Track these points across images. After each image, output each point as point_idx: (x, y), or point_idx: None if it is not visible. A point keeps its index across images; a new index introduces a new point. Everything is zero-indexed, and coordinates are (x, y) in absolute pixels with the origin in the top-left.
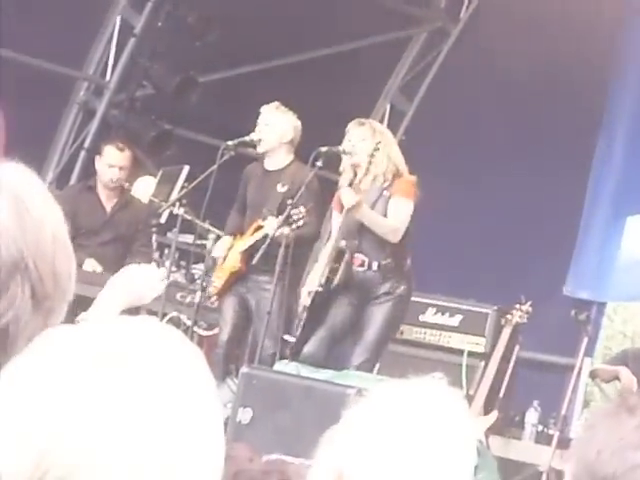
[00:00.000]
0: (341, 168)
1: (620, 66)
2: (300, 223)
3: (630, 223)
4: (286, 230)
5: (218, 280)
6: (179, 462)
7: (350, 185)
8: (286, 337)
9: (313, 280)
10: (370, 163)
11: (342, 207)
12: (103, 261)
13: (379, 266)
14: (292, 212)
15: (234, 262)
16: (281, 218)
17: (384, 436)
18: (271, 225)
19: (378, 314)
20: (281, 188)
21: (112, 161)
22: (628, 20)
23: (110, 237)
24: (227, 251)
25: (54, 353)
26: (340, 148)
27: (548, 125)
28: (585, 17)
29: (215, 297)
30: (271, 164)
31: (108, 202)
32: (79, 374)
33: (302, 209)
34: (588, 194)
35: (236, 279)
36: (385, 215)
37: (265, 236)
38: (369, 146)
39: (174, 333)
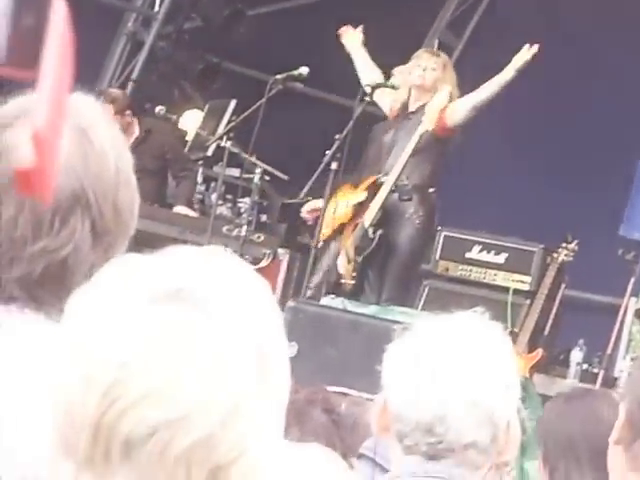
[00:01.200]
0: (397, 83)
1: None
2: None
3: None
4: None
5: (327, 229)
6: (246, 397)
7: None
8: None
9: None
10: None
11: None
12: (146, 198)
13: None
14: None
15: (346, 213)
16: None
17: (426, 367)
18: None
19: (401, 244)
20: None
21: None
22: None
23: (139, 175)
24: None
25: (122, 284)
26: (389, 83)
27: (602, 61)
28: None
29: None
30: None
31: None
32: (144, 307)
33: None
34: None
35: (342, 230)
36: (421, 150)
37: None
38: (436, 75)
39: (243, 265)
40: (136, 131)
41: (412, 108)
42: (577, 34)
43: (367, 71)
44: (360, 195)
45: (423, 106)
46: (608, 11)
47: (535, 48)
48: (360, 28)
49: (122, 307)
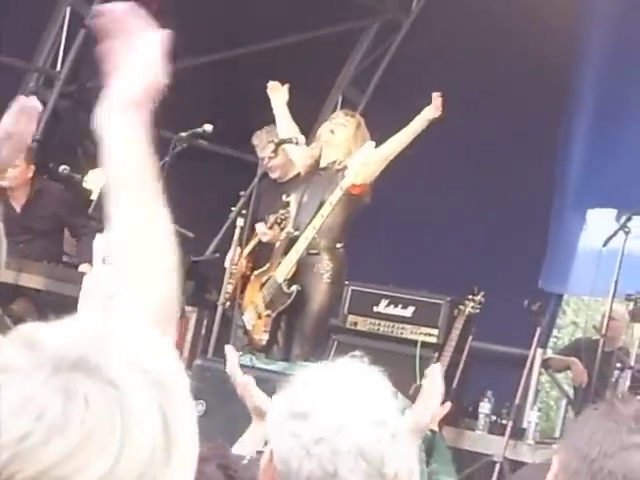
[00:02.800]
0: (311, 146)
1: (580, 58)
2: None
3: (590, 216)
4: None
5: (230, 287)
6: (152, 466)
7: (314, 163)
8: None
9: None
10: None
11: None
12: (37, 258)
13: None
14: (280, 212)
15: (241, 268)
16: (271, 220)
17: (311, 422)
18: (260, 231)
19: (311, 300)
20: (286, 198)
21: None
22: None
23: (29, 236)
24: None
25: (24, 353)
26: (293, 139)
27: (508, 116)
28: (538, 5)
29: None
30: (276, 177)
31: (17, 202)
32: (47, 377)
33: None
34: (556, 189)
35: (245, 283)
36: (334, 204)
37: None
38: (347, 132)
39: (147, 330)
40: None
41: (322, 164)
42: (480, 84)
43: (287, 130)
44: (251, 244)
45: (334, 162)
46: (518, 61)
47: (437, 95)
48: (286, 86)
49: (24, 377)
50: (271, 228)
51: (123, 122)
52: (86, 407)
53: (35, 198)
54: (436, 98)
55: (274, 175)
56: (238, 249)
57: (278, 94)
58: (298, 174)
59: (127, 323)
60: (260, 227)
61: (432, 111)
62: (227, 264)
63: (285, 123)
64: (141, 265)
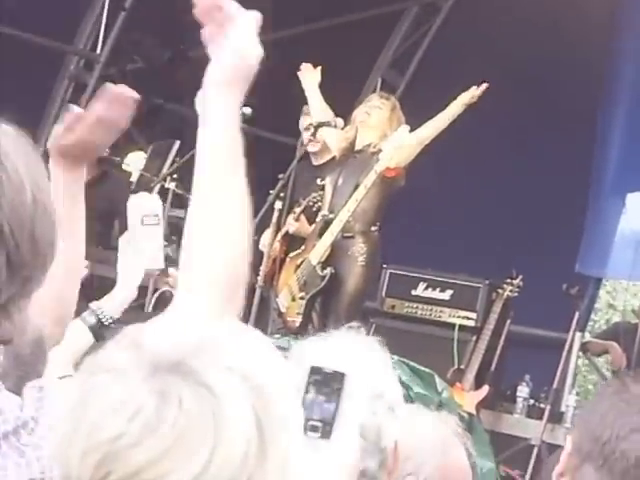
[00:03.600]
0: (346, 128)
1: (619, 40)
2: (317, 206)
3: (630, 200)
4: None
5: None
6: (244, 471)
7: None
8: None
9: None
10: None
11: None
12: (89, 241)
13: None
14: (312, 195)
15: (274, 251)
16: (298, 210)
17: (300, 388)
18: (289, 221)
19: (345, 282)
20: (320, 182)
21: None
22: None
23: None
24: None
25: (123, 355)
26: (332, 122)
27: (546, 100)
28: None
29: None
30: (313, 151)
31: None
32: (144, 379)
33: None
34: (593, 172)
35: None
36: (368, 187)
37: None
38: (382, 115)
39: (249, 335)
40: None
41: (357, 147)
42: (521, 65)
43: (320, 111)
44: (280, 232)
45: (369, 145)
46: (556, 45)
47: (484, 86)
48: (319, 69)
49: (123, 377)
50: (302, 212)
51: (215, 100)
52: (180, 409)
53: (100, 178)
54: (475, 89)
55: (313, 149)
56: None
57: (310, 76)
58: (333, 157)
59: (228, 325)
60: (289, 219)
61: (469, 97)
62: (261, 246)
63: (318, 105)
64: (215, 225)
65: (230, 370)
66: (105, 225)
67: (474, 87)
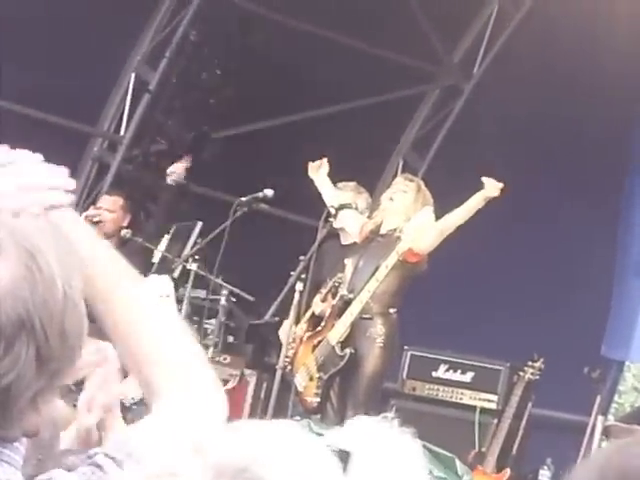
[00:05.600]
0: (374, 214)
1: None
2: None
3: None
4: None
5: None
6: None
7: (375, 229)
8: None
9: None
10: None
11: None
12: None
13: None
14: (338, 275)
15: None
16: (324, 291)
17: None
18: (315, 302)
19: (363, 363)
20: (346, 262)
21: (100, 203)
22: None
23: None
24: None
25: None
26: (353, 204)
27: (570, 180)
28: (603, 70)
29: None
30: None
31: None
32: None
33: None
34: (618, 254)
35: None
36: (389, 268)
37: None
38: (407, 198)
39: (311, 442)
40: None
41: (382, 231)
42: (543, 148)
43: (334, 198)
44: (306, 316)
45: (394, 230)
46: (580, 121)
47: (501, 185)
48: (325, 160)
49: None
50: (327, 294)
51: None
52: None
53: (120, 248)
54: (496, 185)
55: (343, 238)
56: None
57: (317, 172)
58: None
59: (288, 430)
60: (316, 299)
61: (491, 190)
62: (281, 333)
63: (331, 193)
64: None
65: (294, 476)
66: None
67: (494, 183)
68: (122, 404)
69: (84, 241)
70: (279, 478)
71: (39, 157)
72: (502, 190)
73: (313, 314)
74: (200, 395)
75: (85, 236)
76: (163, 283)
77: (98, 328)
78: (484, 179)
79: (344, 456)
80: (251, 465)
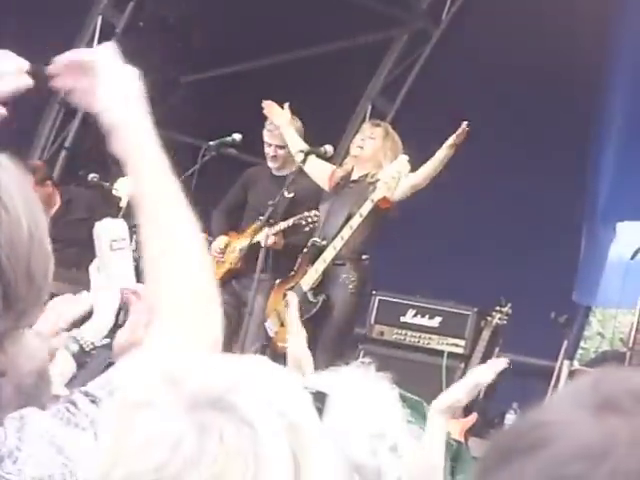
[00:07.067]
0: (345, 160)
1: (610, 74)
2: (312, 226)
3: (620, 228)
4: (272, 239)
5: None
6: None
7: (346, 176)
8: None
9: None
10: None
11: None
12: (68, 266)
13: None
14: (305, 214)
15: (233, 260)
16: (282, 226)
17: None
18: (267, 232)
19: (335, 309)
20: (288, 194)
21: None
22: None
23: (60, 245)
24: (225, 249)
25: (163, 387)
26: (322, 149)
27: (538, 130)
28: (572, 14)
29: None
30: (277, 169)
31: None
32: (183, 412)
33: (316, 212)
34: (586, 202)
35: (231, 277)
36: (364, 216)
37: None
38: (375, 145)
39: (285, 376)
40: (57, 201)
41: (354, 178)
42: (512, 96)
43: (299, 146)
44: (245, 241)
45: (365, 176)
46: (547, 76)
47: (465, 125)
48: (286, 107)
49: (162, 412)
50: (286, 230)
51: (130, 138)
52: (221, 443)
53: (65, 207)
54: (463, 128)
55: (275, 164)
56: (225, 238)
57: (279, 115)
58: (296, 169)
59: (263, 363)
60: (268, 230)
61: (452, 141)
62: (213, 247)
63: (296, 138)
64: (170, 254)
65: (268, 406)
66: (84, 247)
67: (463, 124)
68: (81, 348)
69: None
70: (253, 407)
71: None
72: (469, 136)
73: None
74: (196, 329)
75: (151, 156)
76: (119, 225)
77: (70, 275)
78: (460, 129)
79: (321, 398)
80: (225, 394)
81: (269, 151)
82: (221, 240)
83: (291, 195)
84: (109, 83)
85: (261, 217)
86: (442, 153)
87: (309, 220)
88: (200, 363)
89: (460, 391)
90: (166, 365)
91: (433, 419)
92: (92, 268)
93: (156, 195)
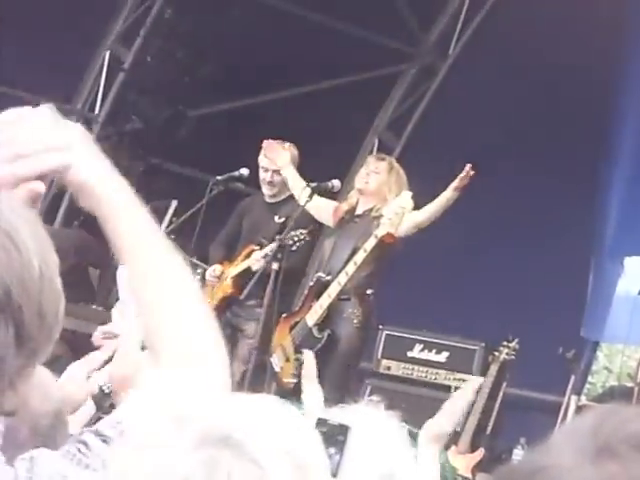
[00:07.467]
0: (349, 194)
1: (620, 105)
2: (299, 244)
3: (628, 264)
4: (274, 264)
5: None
6: None
7: (351, 210)
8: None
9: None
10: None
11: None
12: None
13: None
14: (291, 234)
15: (225, 287)
16: (268, 249)
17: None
18: (255, 257)
19: (340, 344)
20: (278, 219)
21: None
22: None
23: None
24: (220, 276)
25: (171, 424)
26: (329, 184)
27: (547, 164)
28: (582, 43)
29: None
30: (271, 197)
31: None
32: (191, 449)
33: (302, 231)
34: (595, 237)
35: (226, 304)
36: (368, 252)
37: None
38: (380, 179)
39: (294, 417)
40: None
41: (358, 212)
42: (520, 131)
43: (301, 187)
44: (239, 267)
45: (370, 210)
46: (556, 107)
47: (468, 168)
48: (287, 147)
49: (168, 448)
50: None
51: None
52: None
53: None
54: (467, 171)
55: (271, 191)
56: (219, 267)
57: (279, 156)
58: (290, 196)
59: (271, 402)
60: (256, 254)
61: (460, 182)
62: (207, 274)
63: (298, 182)
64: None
65: (276, 445)
66: (80, 287)
67: (464, 172)
68: (101, 390)
69: (124, 204)
70: (261, 446)
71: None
72: (475, 173)
73: (241, 273)
74: (202, 371)
75: (126, 201)
76: None
77: (76, 308)
78: (464, 172)
79: (344, 430)
80: (234, 433)
81: (265, 176)
82: (215, 268)
83: (282, 220)
84: (63, 145)
85: (252, 244)
86: (446, 195)
87: (295, 239)
88: (210, 401)
89: (442, 418)
90: (175, 403)
91: (423, 450)
92: (114, 312)
93: (140, 245)
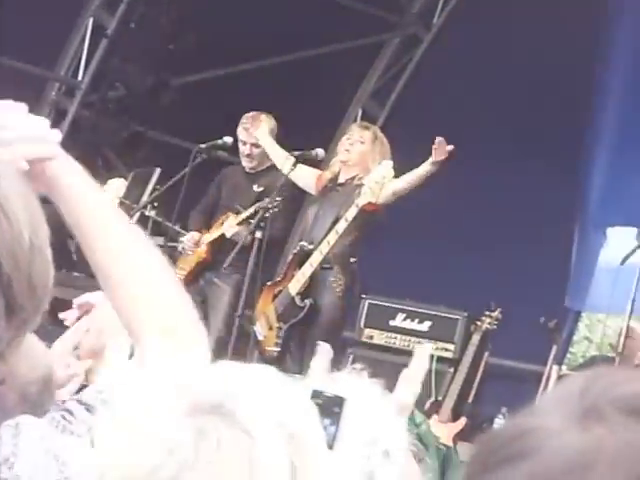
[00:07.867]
0: (331, 162)
1: (603, 76)
2: (272, 212)
3: (610, 234)
4: (245, 231)
5: (181, 272)
6: None
7: (333, 178)
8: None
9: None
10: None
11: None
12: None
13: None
14: (266, 200)
15: (200, 253)
16: (243, 215)
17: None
18: (229, 224)
19: (323, 313)
20: (257, 188)
21: None
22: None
23: None
24: (196, 246)
25: (165, 392)
26: (313, 152)
27: (529, 134)
28: (563, 18)
29: None
30: (251, 168)
31: None
32: (183, 417)
33: (277, 198)
34: (578, 208)
35: (201, 270)
36: (349, 221)
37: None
38: (363, 149)
39: (287, 385)
40: None
41: (341, 180)
42: (503, 101)
43: (282, 157)
44: (214, 234)
45: (352, 179)
46: (539, 78)
47: (450, 147)
48: (264, 116)
49: (161, 415)
50: (245, 220)
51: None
52: (217, 449)
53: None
54: (438, 143)
55: (250, 164)
56: (197, 234)
57: (256, 128)
58: (270, 166)
59: (265, 371)
60: (230, 220)
61: (439, 154)
62: (185, 241)
63: (278, 152)
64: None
65: (268, 415)
66: (62, 255)
67: (435, 144)
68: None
69: (84, 189)
70: (253, 416)
71: (23, 107)
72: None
73: (216, 239)
74: (182, 340)
75: (84, 184)
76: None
77: (65, 277)
78: (435, 144)
79: (340, 402)
80: (226, 401)
81: (244, 149)
82: (193, 235)
83: (260, 189)
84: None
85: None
86: (425, 168)
87: (269, 207)
88: (204, 370)
89: (401, 389)
90: (169, 371)
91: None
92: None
93: (105, 224)
